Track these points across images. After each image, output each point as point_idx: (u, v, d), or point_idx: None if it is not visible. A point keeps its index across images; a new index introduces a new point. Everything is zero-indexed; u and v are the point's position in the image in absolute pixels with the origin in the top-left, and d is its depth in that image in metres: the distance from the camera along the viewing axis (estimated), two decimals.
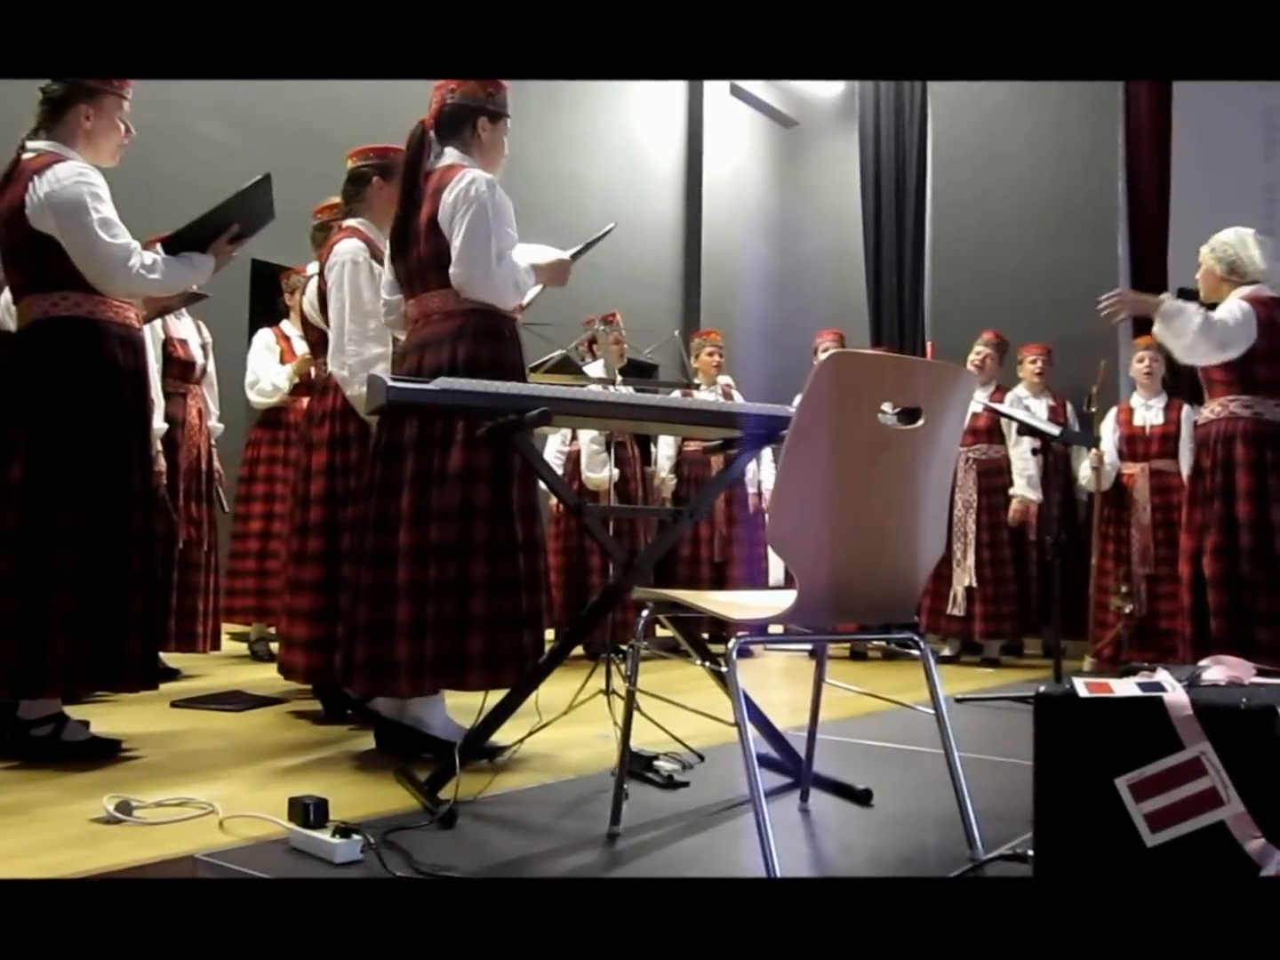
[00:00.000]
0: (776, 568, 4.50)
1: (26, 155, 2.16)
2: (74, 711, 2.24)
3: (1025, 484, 4.24)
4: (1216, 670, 1.49)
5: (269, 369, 3.74)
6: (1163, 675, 1.46)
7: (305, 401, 3.75)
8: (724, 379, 4.70)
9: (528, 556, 2.10)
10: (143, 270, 2.13)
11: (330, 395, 2.54)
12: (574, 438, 4.20)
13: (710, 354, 4.61)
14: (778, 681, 3.75)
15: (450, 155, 2.20)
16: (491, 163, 2.25)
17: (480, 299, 2.10)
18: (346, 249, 2.46)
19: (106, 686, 2.22)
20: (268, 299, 4.35)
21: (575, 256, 2.35)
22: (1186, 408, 3.96)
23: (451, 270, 2.09)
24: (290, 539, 2.62)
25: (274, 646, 3.78)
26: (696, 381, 4.59)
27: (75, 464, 2.10)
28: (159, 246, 2.22)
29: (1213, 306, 2.81)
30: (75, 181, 2.09)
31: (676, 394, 4.13)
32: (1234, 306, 2.74)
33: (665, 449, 4.53)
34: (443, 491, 2.05)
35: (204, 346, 3.44)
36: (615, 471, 4.07)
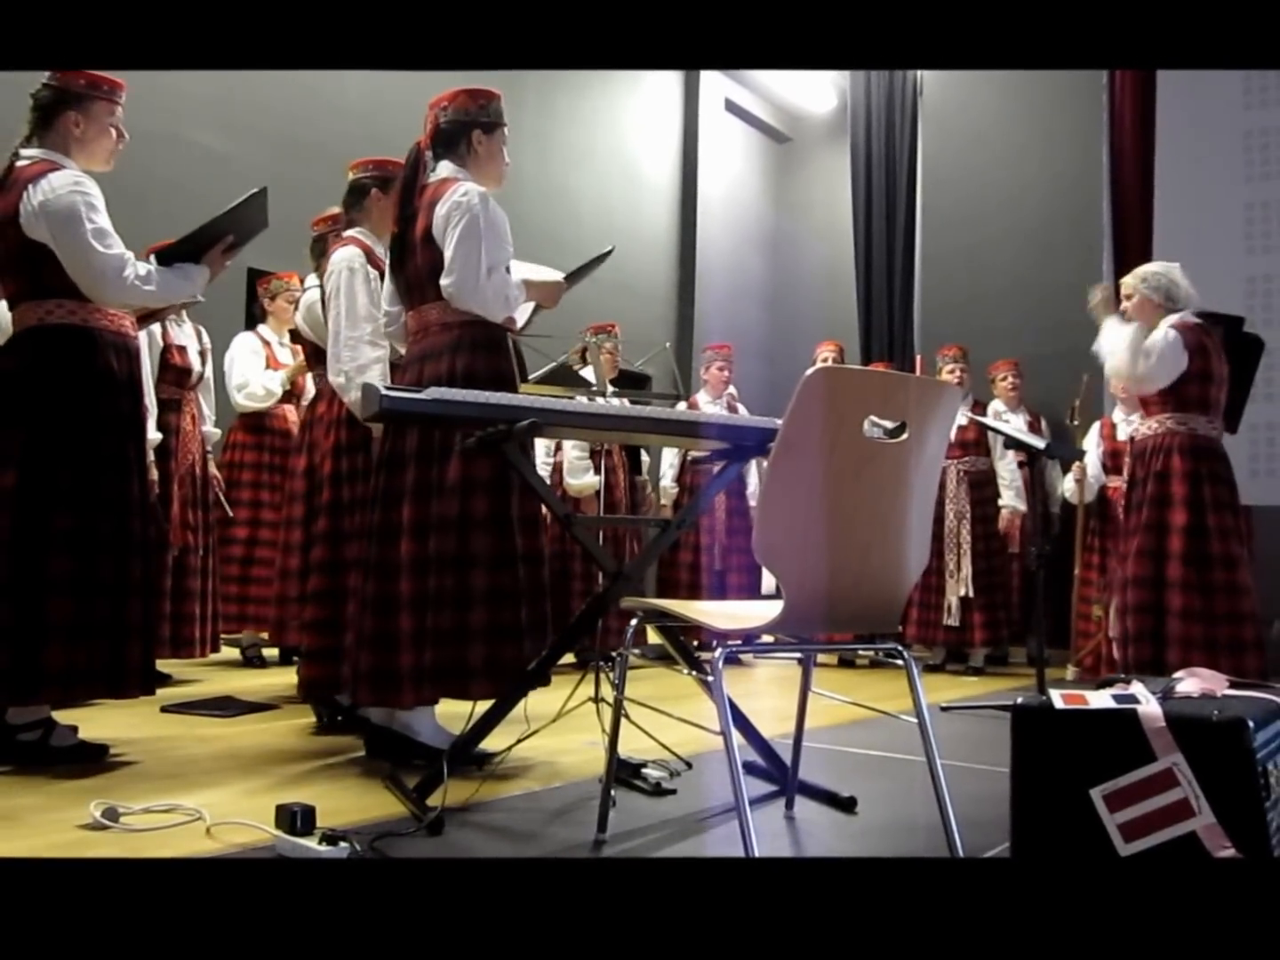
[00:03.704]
0: (770, 577, 4.54)
1: (21, 163, 2.16)
2: (63, 716, 2.24)
3: (1014, 495, 4.32)
4: (1190, 683, 1.52)
5: (259, 372, 3.74)
6: (1137, 688, 1.49)
7: (286, 409, 3.79)
8: (729, 390, 4.75)
9: (529, 567, 2.12)
10: (137, 281, 2.14)
11: (335, 403, 2.54)
12: (558, 449, 4.23)
13: (720, 368, 4.68)
14: (767, 690, 3.77)
15: (445, 169, 2.23)
16: (491, 173, 2.27)
17: (469, 309, 2.13)
18: (343, 256, 2.48)
19: (105, 694, 2.20)
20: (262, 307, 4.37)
21: (571, 277, 2.37)
22: None
23: (442, 281, 2.11)
24: (293, 550, 2.60)
25: (266, 653, 3.80)
26: (688, 393, 4.65)
27: (71, 470, 2.10)
28: (152, 258, 2.23)
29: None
30: (70, 191, 2.10)
31: (682, 405, 4.19)
32: (1159, 337, 2.88)
33: (669, 458, 4.58)
34: (441, 502, 2.06)
35: (202, 353, 3.44)
36: (598, 479, 4.13)
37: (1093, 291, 3.16)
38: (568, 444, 4.15)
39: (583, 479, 4.12)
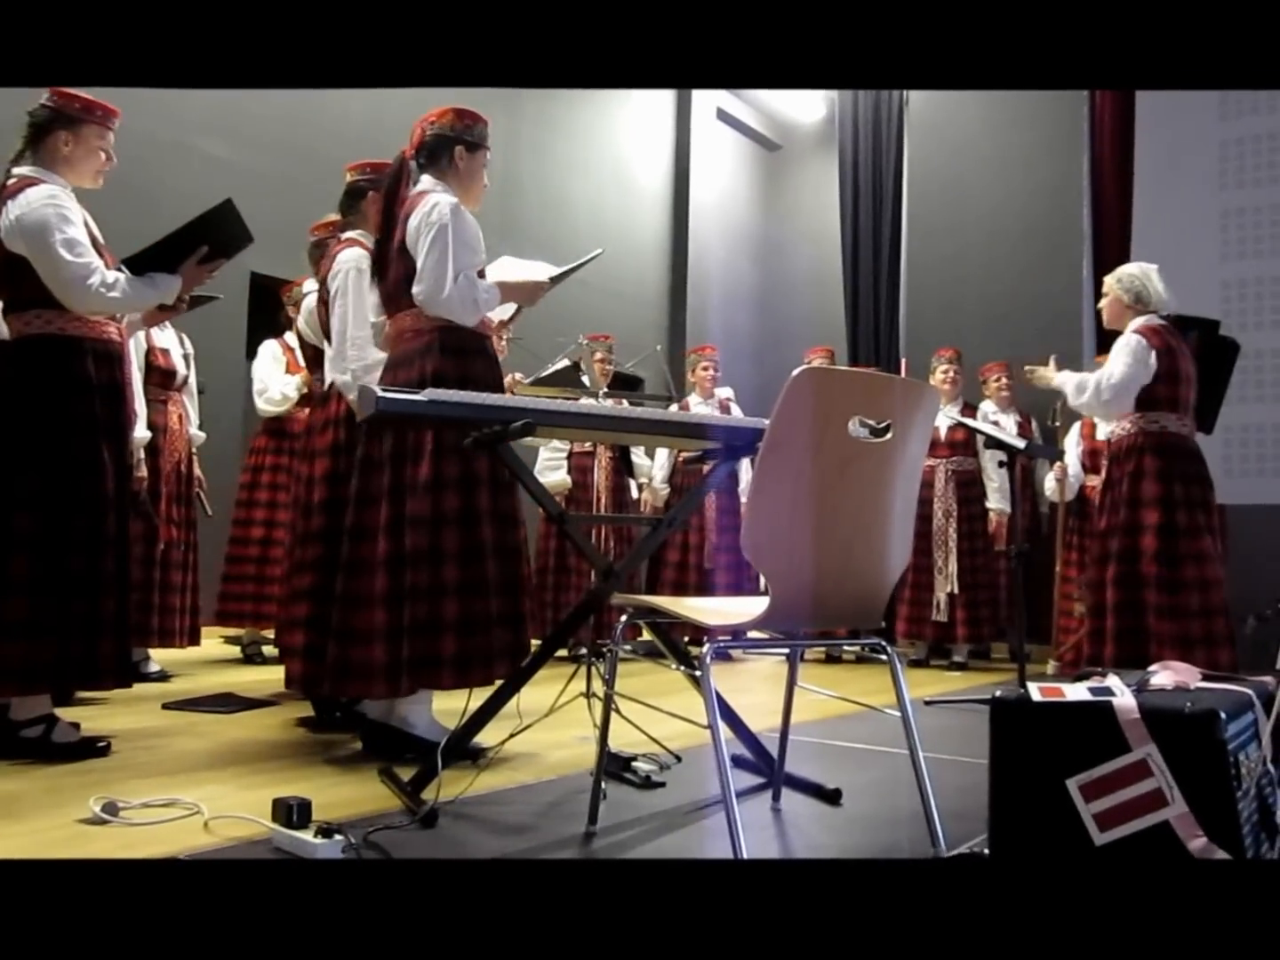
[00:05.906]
0: None
1: (10, 180, 2.23)
2: (65, 713, 2.27)
3: (1000, 498, 4.39)
4: (1164, 675, 1.57)
5: (277, 378, 3.84)
6: (1112, 681, 1.53)
7: (307, 412, 3.85)
8: (723, 391, 4.81)
9: (502, 561, 2.17)
10: (102, 289, 2.18)
11: (332, 403, 2.57)
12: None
13: (705, 368, 4.73)
14: (755, 685, 3.81)
15: (425, 182, 2.29)
16: (469, 191, 2.32)
17: (439, 316, 2.18)
18: (350, 257, 2.50)
19: (79, 686, 2.26)
20: (266, 309, 4.42)
21: (558, 278, 2.41)
22: None
23: (413, 289, 2.18)
24: (293, 548, 2.65)
25: (266, 650, 3.83)
26: (679, 395, 4.70)
27: (37, 473, 2.14)
28: (122, 266, 2.26)
29: (1114, 336, 3.02)
30: (44, 204, 2.16)
31: (674, 407, 4.26)
32: (1121, 344, 2.97)
33: (660, 459, 4.63)
34: (415, 501, 2.13)
35: (186, 357, 3.52)
36: (568, 478, 4.20)
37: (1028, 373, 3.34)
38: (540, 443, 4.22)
39: (551, 477, 4.19)
